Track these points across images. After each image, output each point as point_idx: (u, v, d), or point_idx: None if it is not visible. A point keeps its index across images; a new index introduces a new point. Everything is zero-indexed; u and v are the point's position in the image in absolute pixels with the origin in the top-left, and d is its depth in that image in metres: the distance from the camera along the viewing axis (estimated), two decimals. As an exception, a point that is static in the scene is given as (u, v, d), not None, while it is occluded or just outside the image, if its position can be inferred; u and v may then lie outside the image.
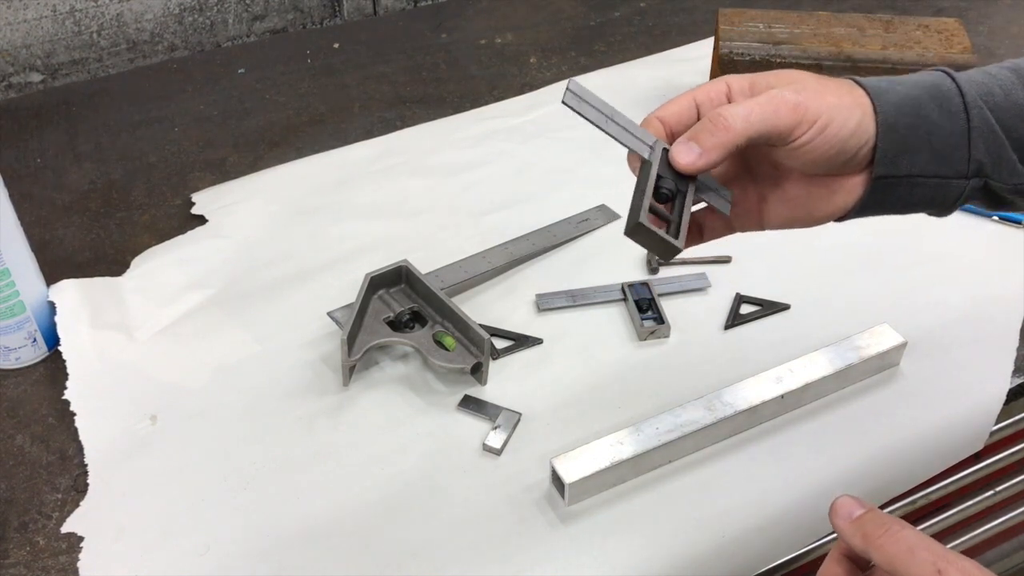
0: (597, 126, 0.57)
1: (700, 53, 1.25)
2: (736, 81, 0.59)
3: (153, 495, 0.73)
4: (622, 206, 1.00)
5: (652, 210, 0.56)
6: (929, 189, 0.59)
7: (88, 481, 0.74)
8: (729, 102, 0.58)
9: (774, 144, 0.56)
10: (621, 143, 0.57)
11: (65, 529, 0.71)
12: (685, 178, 0.57)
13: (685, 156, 0.55)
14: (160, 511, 0.72)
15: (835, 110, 0.55)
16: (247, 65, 1.28)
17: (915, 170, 0.58)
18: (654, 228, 0.55)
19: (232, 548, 0.69)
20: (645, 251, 0.94)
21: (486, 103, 1.19)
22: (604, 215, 0.99)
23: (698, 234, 0.62)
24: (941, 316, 0.87)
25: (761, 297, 0.89)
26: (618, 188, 1.03)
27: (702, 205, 0.61)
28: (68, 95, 1.21)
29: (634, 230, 0.55)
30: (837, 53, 1.04)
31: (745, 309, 0.89)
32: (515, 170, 1.07)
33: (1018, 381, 0.83)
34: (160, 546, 0.70)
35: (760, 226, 0.62)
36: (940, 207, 0.60)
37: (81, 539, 0.70)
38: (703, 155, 0.55)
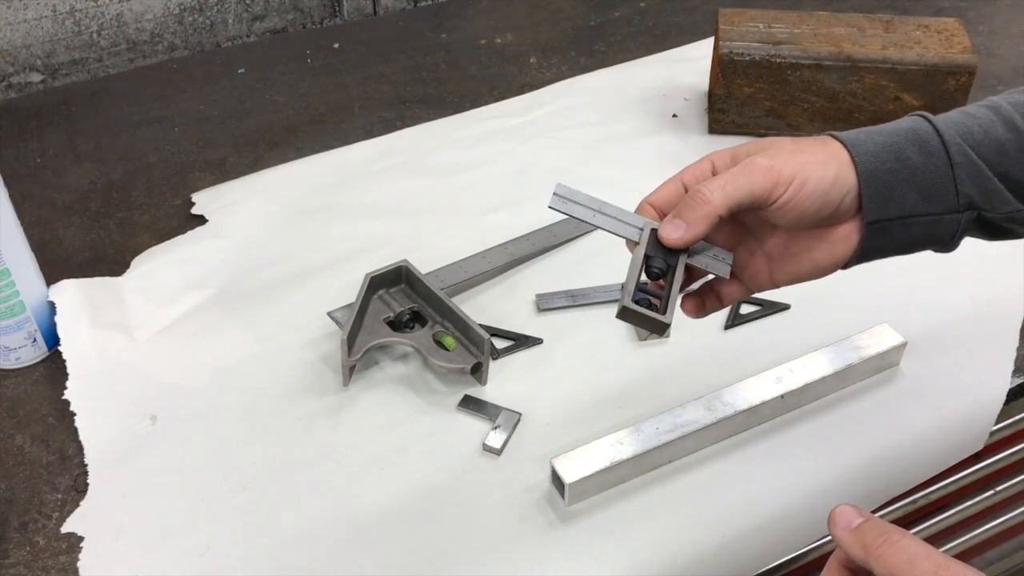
0: (586, 222, 0.61)
1: (700, 53, 1.25)
2: (719, 157, 0.62)
3: (153, 495, 0.73)
4: (622, 206, 1.00)
5: (645, 290, 0.60)
6: (924, 227, 0.60)
7: (88, 481, 0.74)
8: (713, 175, 0.61)
9: (758, 208, 0.59)
10: (613, 233, 0.61)
11: (65, 529, 0.71)
12: (675, 253, 0.60)
13: (672, 232, 0.59)
14: (160, 511, 0.72)
15: (809, 167, 0.58)
16: (247, 65, 1.28)
17: (905, 211, 0.60)
18: (639, 309, 0.59)
19: (232, 548, 0.70)
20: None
21: (486, 103, 1.19)
22: (604, 215, 0.99)
23: (717, 300, 0.65)
24: (941, 316, 0.87)
25: (761, 297, 0.89)
26: (618, 188, 1.03)
27: (712, 276, 0.64)
28: (68, 95, 1.21)
29: (622, 313, 0.59)
30: (837, 53, 1.04)
31: (745, 309, 0.89)
32: (515, 170, 1.07)
33: (1018, 381, 0.83)
34: (160, 546, 0.70)
35: (773, 283, 0.64)
36: (940, 243, 0.62)
37: (81, 539, 0.70)
38: (688, 229, 0.58)
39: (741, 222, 0.64)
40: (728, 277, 0.62)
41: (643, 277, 0.60)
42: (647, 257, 0.60)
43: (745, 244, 0.64)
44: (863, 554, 0.47)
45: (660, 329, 0.60)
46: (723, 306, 0.65)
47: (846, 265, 0.63)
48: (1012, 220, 0.61)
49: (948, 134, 0.60)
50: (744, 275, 0.64)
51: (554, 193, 0.61)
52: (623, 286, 0.60)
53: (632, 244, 0.62)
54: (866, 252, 0.61)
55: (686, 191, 0.61)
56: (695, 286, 0.65)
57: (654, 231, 0.60)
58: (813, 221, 0.60)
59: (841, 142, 0.60)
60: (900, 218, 0.60)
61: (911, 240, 0.61)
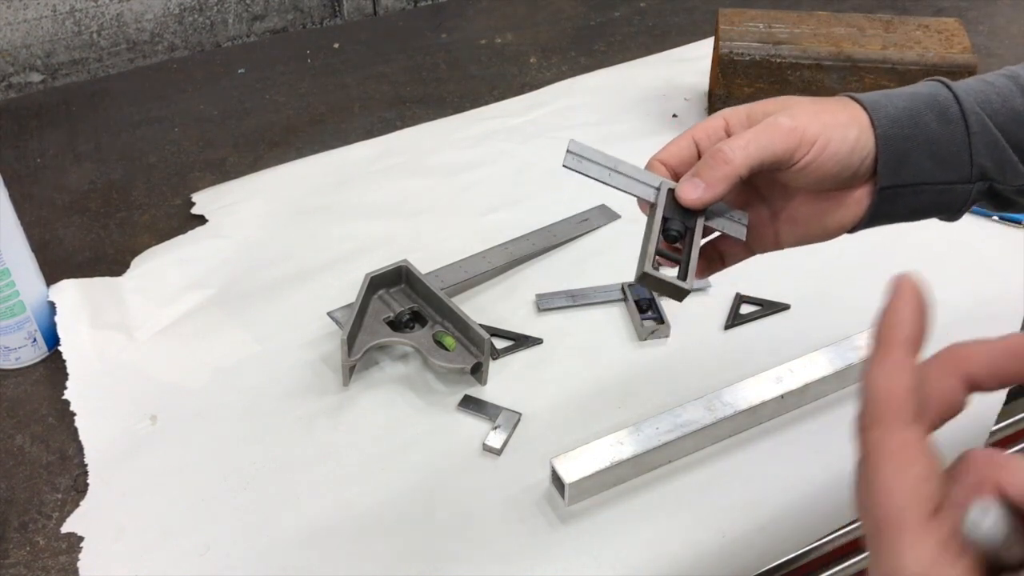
0: (601, 181, 0.59)
1: (700, 53, 1.25)
2: (733, 115, 0.60)
3: (153, 495, 0.73)
4: (622, 206, 1.00)
5: (661, 253, 0.57)
6: (935, 195, 0.60)
7: (88, 481, 0.74)
8: (728, 136, 0.59)
9: (777, 168, 0.58)
10: (628, 192, 0.59)
11: (65, 529, 0.71)
12: (693, 214, 0.58)
13: (691, 192, 0.57)
14: (160, 511, 0.72)
15: (831, 129, 0.57)
16: (247, 65, 1.28)
17: (919, 178, 0.59)
18: (659, 275, 0.56)
19: (232, 548, 0.70)
20: (645, 251, 0.95)
21: (486, 103, 1.19)
22: (604, 215, 0.99)
23: (720, 261, 0.64)
24: (941, 316, 0.87)
25: (761, 297, 0.89)
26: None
27: (716, 235, 0.62)
28: (68, 95, 1.21)
29: (641, 279, 0.56)
30: (837, 53, 1.04)
31: (745, 309, 0.89)
32: (515, 170, 1.07)
33: (1018, 381, 0.83)
34: (160, 546, 0.70)
35: (777, 245, 0.63)
36: (948, 212, 0.61)
37: (81, 539, 0.70)
38: (708, 189, 0.56)
39: (750, 182, 0.62)
40: (744, 239, 0.61)
41: (660, 240, 0.57)
42: (665, 219, 0.57)
43: (752, 206, 0.63)
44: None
45: (680, 295, 0.57)
46: (725, 267, 0.64)
47: (853, 229, 0.62)
48: (1021, 192, 0.60)
49: (967, 102, 0.58)
50: (749, 236, 0.63)
51: (568, 151, 0.58)
52: (642, 250, 0.57)
53: (646, 204, 0.59)
54: (875, 217, 0.60)
55: (697, 149, 0.60)
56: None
57: (671, 191, 0.58)
58: (831, 184, 0.59)
59: (861, 104, 0.59)
60: (912, 185, 0.59)
61: (920, 207, 0.60)
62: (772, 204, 0.62)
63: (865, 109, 0.58)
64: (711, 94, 1.12)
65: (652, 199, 0.58)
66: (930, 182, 0.59)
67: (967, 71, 1.03)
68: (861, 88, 1.05)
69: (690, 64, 1.24)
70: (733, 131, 0.59)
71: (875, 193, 0.59)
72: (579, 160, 0.59)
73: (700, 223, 0.58)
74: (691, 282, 0.57)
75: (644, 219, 0.98)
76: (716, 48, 1.09)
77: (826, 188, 0.59)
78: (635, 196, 0.59)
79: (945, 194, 0.60)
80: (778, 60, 1.05)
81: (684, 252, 0.58)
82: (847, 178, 0.58)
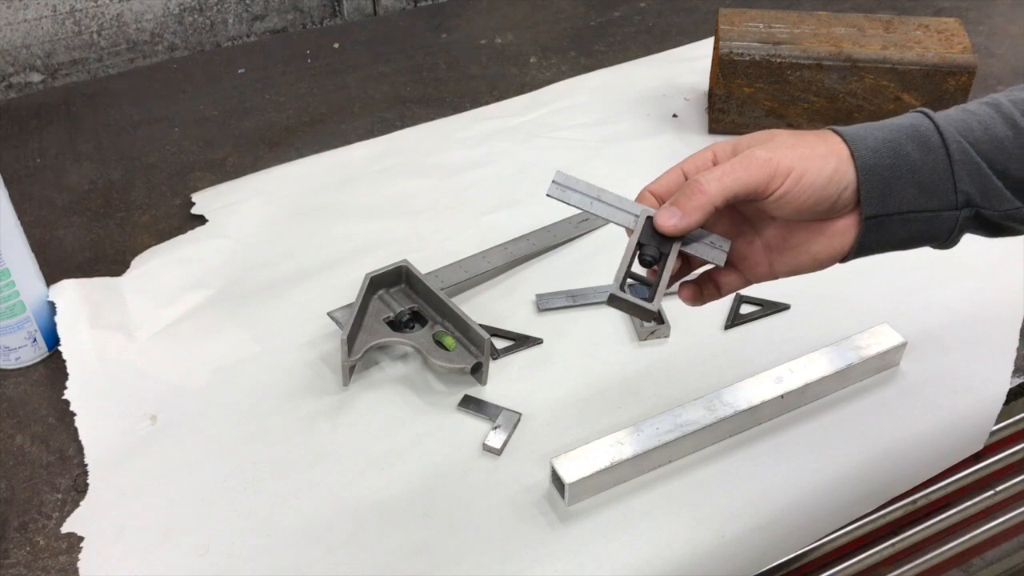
0: (583, 209, 0.62)
1: (700, 53, 1.25)
2: (721, 148, 0.62)
3: (153, 495, 0.73)
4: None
5: (638, 278, 0.62)
6: (922, 223, 0.61)
7: (88, 481, 0.74)
8: (715, 165, 0.61)
9: (755, 199, 0.60)
10: (609, 220, 0.62)
11: (65, 529, 0.71)
12: (669, 240, 0.61)
13: (668, 220, 0.60)
14: (160, 511, 0.72)
15: (807, 160, 0.59)
16: (247, 65, 1.28)
17: (903, 207, 0.60)
18: (625, 296, 0.60)
19: (232, 548, 0.70)
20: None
21: (486, 103, 1.19)
22: (604, 215, 0.99)
23: (715, 290, 0.65)
24: (941, 316, 0.87)
25: (761, 297, 0.89)
26: (618, 188, 1.03)
27: (711, 265, 0.64)
28: (68, 95, 1.21)
29: (610, 300, 0.60)
30: (837, 53, 1.04)
31: (745, 309, 0.89)
32: (515, 170, 1.07)
33: (1018, 381, 0.83)
34: (160, 546, 0.70)
35: (771, 275, 0.65)
36: (939, 239, 0.62)
37: (81, 539, 0.70)
38: (683, 217, 0.59)
39: (741, 213, 0.64)
40: (723, 265, 0.63)
41: (635, 265, 0.60)
42: (640, 244, 0.60)
43: (744, 235, 0.65)
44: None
45: (647, 316, 0.61)
46: (721, 295, 0.66)
47: (844, 259, 0.63)
48: (1010, 218, 0.61)
49: (948, 131, 0.60)
50: (743, 265, 0.65)
51: (553, 181, 0.62)
52: (616, 273, 0.61)
53: (630, 231, 0.62)
54: (864, 247, 0.62)
55: (685, 178, 0.62)
56: (694, 274, 0.65)
57: (649, 219, 0.61)
58: (811, 214, 0.60)
59: (841, 136, 0.60)
60: (898, 214, 0.60)
61: (909, 236, 0.61)
62: (763, 234, 0.64)
63: (845, 141, 0.60)
64: (711, 94, 1.12)
65: (631, 226, 0.61)
66: (916, 210, 0.60)
67: (967, 71, 1.03)
68: (861, 88, 1.05)
69: (690, 64, 1.24)
70: (719, 162, 0.61)
71: (861, 223, 0.60)
72: (563, 190, 0.62)
73: (675, 249, 0.61)
74: (657, 303, 0.60)
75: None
76: (716, 48, 1.09)
77: (806, 218, 0.61)
78: (616, 224, 0.62)
79: (932, 222, 0.61)
80: (778, 60, 1.05)
81: (656, 275, 0.61)
82: (826, 208, 0.60)
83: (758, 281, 0.65)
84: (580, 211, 0.62)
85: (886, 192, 0.59)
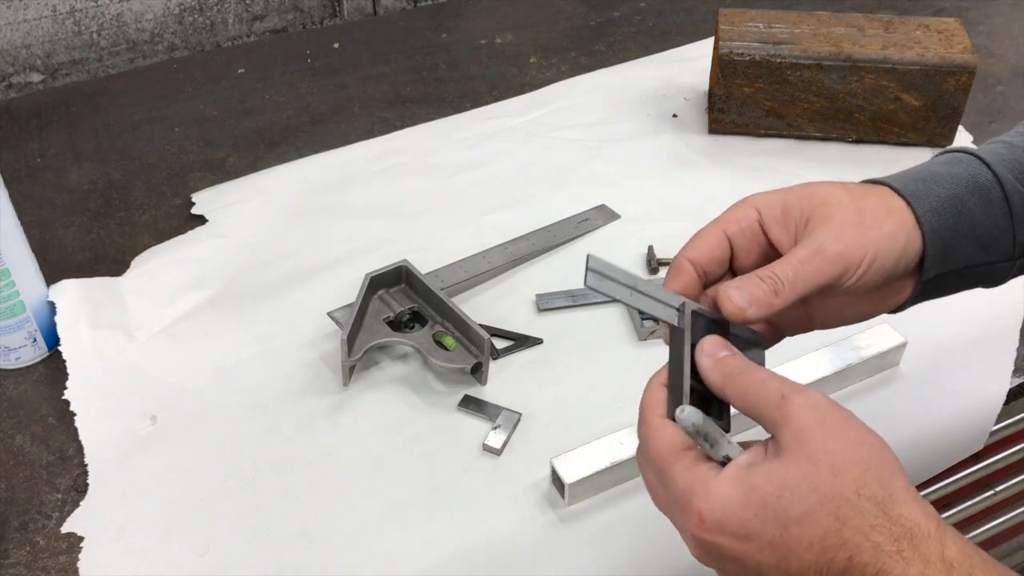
0: (622, 302, 0.54)
1: (700, 53, 1.25)
2: (766, 206, 0.56)
3: (153, 495, 0.73)
4: (622, 206, 1.00)
5: (692, 389, 0.51)
6: (978, 276, 0.59)
7: (88, 481, 0.74)
8: (762, 229, 0.56)
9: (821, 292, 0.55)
10: (650, 315, 0.54)
11: (65, 529, 0.71)
12: (723, 332, 0.54)
13: (740, 299, 0.52)
14: (160, 511, 0.72)
15: (878, 243, 0.54)
16: (247, 65, 1.28)
17: (963, 263, 0.57)
18: (705, 423, 0.49)
19: (232, 548, 0.70)
20: (645, 251, 0.94)
21: (486, 103, 1.19)
22: (604, 215, 0.99)
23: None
24: (941, 316, 0.87)
25: (761, 297, 0.89)
26: (618, 188, 1.03)
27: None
28: (68, 95, 1.21)
29: (685, 420, 0.49)
30: (837, 53, 1.04)
31: (745, 309, 0.88)
32: (515, 170, 1.07)
33: (1018, 381, 0.83)
34: (160, 546, 0.70)
35: (809, 329, 0.61)
36: (989, 284, 0.61)
37: (81, 539, 0.70)
38: (753, 305, 0.52)
39: None
40: (763, 365, 0.55)
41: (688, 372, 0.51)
42: (693, 345, 0.52)
43: None
44: (721, 380, 0.49)
45: (721, 449, 0.50)
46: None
47: (893, 312, 0.60)
48: None
49: (1007, 181, 0.57)
50: (780, 321, 0.59)
51: (588, 268, 0.53)
52: (670, 382, 0.52)
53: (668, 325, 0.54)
54: (916, 301, 0.59)
55: (730, 244, 0.56)
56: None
57: (694, 313, 0.53)
58: (872, 289, 0.56)
59: (903, 197, 0.56)
60: (956, 270, 0.58)
61: (963, 285, 0.59)
62: (807, 299, 0.58)
63: (909, 204, 0.56)
64: (711, 94, 1.12)
65: (675, 322, 0.53)
66: (974, 264, 0.58)
67: (967, 71, 1.03)
68: (861, 88, 1.05)
69: (690, 64, 1.24)
70: (767, 225, 0.55)
71: (918, 283, 0.58)
72: (600, 279, 0.54)
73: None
74: (728, 422, 0.52)
75: (642, 216, 0.97)
76: (716, 48, 1.09)
77: (868, 293, 0.57)
78: (657, 319, 0.54)
79: (988, 272, 0.59)
80: (778, 60, 1.05)
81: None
82: (892, 279, 0.56)
83: (792, 335, 0.61)
84: (619, 302, 0.55)
85: (947, 252, 0.56)
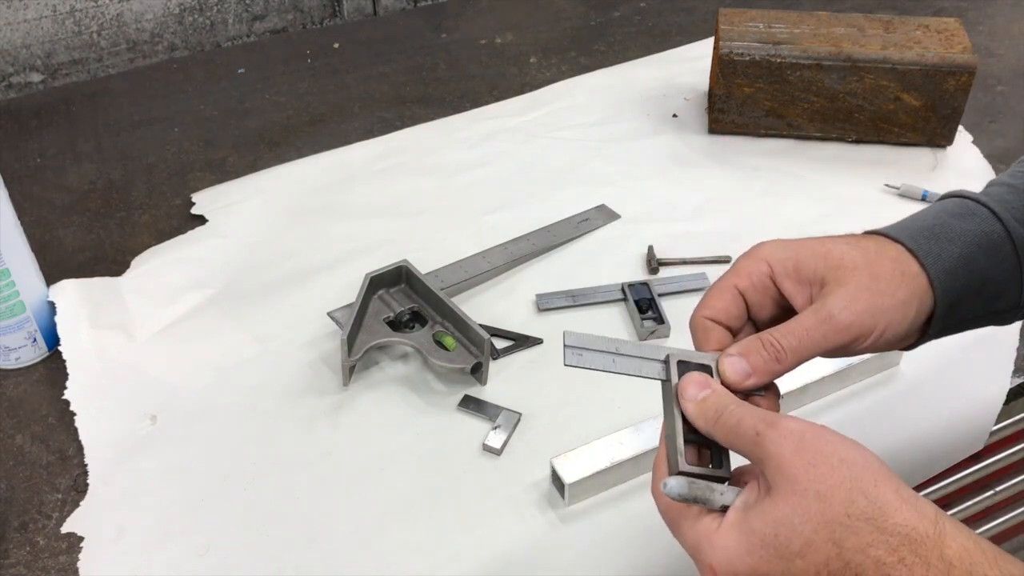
0: (607, 371, 0.54)
1: (700, 53, 1.25)
2: (777, 261, 0.55)
3: (153, 495, 0.73)
4: (622, 206, 1.00)
5: (689, 440, 0.51)
6: (982, 322, 0.59)
7: (88, 481, 0.74)
8: (774, 283, 0.56)
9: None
10: (636, 376, 0.54)
11: (65, 529, 0.71)
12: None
13: (734, 372, 0.53)
14: (160, 511, 0.72)
15: (889, 313, 0.53)
16: (247, 65, 1.28)
17: (969, 315, 0.58)
18: (696, 471, 0.50)
19: (232, 548, 0.70)
20: (645, 251, 0.94)
21: (486, 103, 1.19)
22: (604, 215, 0.99)
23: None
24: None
25: (761, 297, 0.89)
26: (618, 188, 1.03)
27: None
28: (68, 95, 1.21)
29: (673, 489, 0.49)
30: (837, 53, 1.04)
31: (745, 309, 0.88)
32: (515, 170, 1.07)
33: (1018, 381, 0.83)
34: (160, 546, 0.70)
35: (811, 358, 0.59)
36: (996, 324, 0.61)
37: (81, 539, 0.70)
38: (752, 376, 0.53)
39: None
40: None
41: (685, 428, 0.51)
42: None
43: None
44: (706, 426, 0.50)
45: (715, 501, 0.49)
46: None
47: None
48: None
49: (1018, 235, 0.57)
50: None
51: (566, 345, 0.53)
52: (668, 443, 0.51)
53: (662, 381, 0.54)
54: (918, 346, 0.59)
55: (744, 299, 0.56)
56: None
57: (680, 363, 0.53)
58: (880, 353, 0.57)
59: (916, 259, 0.55)
60: (961, 322, 0.58)
61: (966, 329, 0.59)
62: None
63: (922, 266, 0.55)
64: (711, 94, 1.12)
65: (662, 377, 0.53)
66: (980, 315, 0.58)
67: (967, 71, 1.03)
68: (861, 88, 1.05)
69: (690, 64, 1.24)
70: (779, 280, 0.55)
71: (924, 336, 0.57)
72: (579, 354, 0.54)
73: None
74: (727, 469, 0.51)
75: (642, 216, 0.98)
76: (716, 48, 1.09)
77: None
78: (644, 377, 0.54)
79: (992, 319, 0.59)
80: (778, 60, 1.05)
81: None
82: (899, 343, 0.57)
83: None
84: (603, 371, 0.54)
85: (956, 308, 0.56)
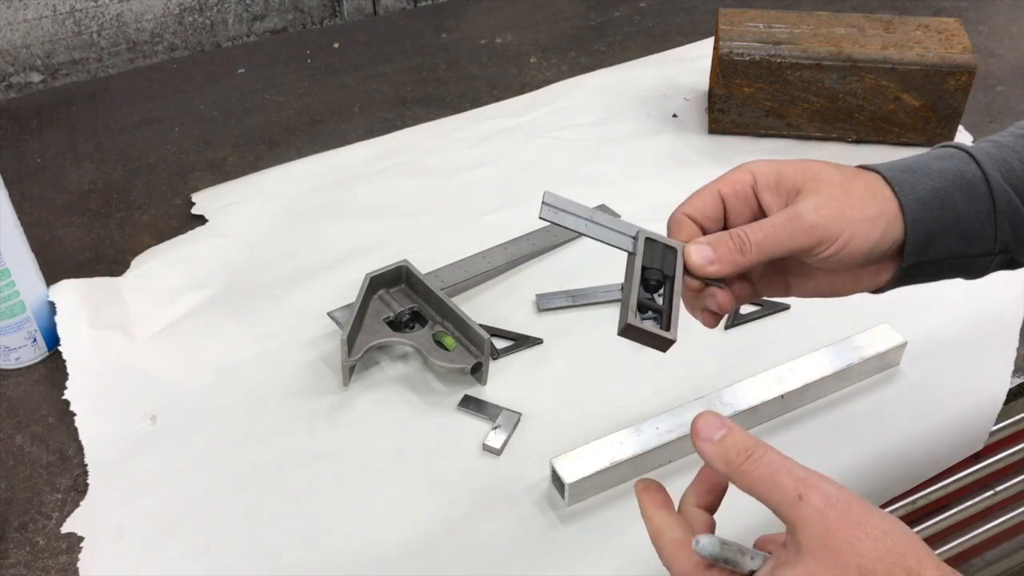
0: (577, 231, 0.58)
1: (700, 53, 1.25)
2: (761, 174, 0.58)
3: (153, 495, 0.73)
4: (622, 206, 1.00)
5: (643, 303, 0.56)
6: (959, 266, 0.60)
7: (88, 481, 0.74)
8: (755, 194, 0.58)
9: (794, 257, 0.58)
10: (604, 242, 0.58)
11: (65, 529, 0.71)
12: (673, 263, 0.57)
13: (700, 258, 0.56)
14: (160, 511, 0.72)
15: (856, 224, 0.56)
16: (247, 65, 1.28)
17: (943, 253, 0.59)
18: (644, 327, 0.54)
19: (232, 548, 0.70)
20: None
21: (486, 103, 1.19)
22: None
23: (726, 301, 0.60)
24: (941, 316, 0.87)
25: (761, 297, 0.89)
26: (618, 188, 1.03)
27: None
28: (68, 95, 1.21)
29: (625, 331, 0.55)
30: (837, 53, 1.04)
31: (745, 309, 0.89)
32: (515, 170, 1.07)
33: (1018, 381, 0.83)
34: (160, 546, 0.70)
35: (786, 294, 0.63)
36: (969, 276, 0.62)
37: (81, 539, 0.70)
38: (715, 264, 0.56)
39: None
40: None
41: (640, 290, 0.56)
42: (644, 268, 0.57)
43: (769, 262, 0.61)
44: (726, 469, 0.49)
45: (664, 346, 0.55)
46: (731, 308, 0.61)
47: (874, 292, 0.62)
48: None
49: (994, 179, 0.58)
50: (761, 282, 0.62)
51: (543, 202, 0.57)
52: (623, 301, 0.56)
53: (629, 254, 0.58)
54: (895, 285, 0.61)
55: (723, 204, 0.59)
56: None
57: (648, 240, 0.57)
58: (849, 269, 0.59)
59: (890, 186, 0.58)
60: (936, 260, 0.59)
61: (942, 274, 0.60)
62: (786, 263, 0.61)
63: (895, 192, 0.57)
64: (711, 94, 1.12)
65: (629, 248, 0.58)
66: (955, 256, 0.59)
67: (967, 71, 1.03)
68: (861, 88, 1.05)
69: (690, 64, 1.24)
70: (760, 192, 0.58)
71: (899, 269, 0.59)
72: (554, 211, 0.58)
73: (680, 269, 0.57)
74: (675, 332, 0.55)
75: (643, 216, 0.98)
76: (716, 48, 1.09)
77: (844, 271, 0.59)
78: (612, 246, 0.58)
79: (968, 264, 0.60)
80: (778, 60, 1.05)
81: (664, 301, 0.57)
82: (867, 264, 0.58)
83: (770, 296, 0.63)
84: (574, 232, 0.58)
85: (928, 242, 0.58)
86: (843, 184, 0.57)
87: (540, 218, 0.57)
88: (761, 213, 0.58)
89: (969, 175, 0.59)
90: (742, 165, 0.59)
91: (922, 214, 0.57)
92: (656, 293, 0.57)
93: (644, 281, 0.57)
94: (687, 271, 0.57)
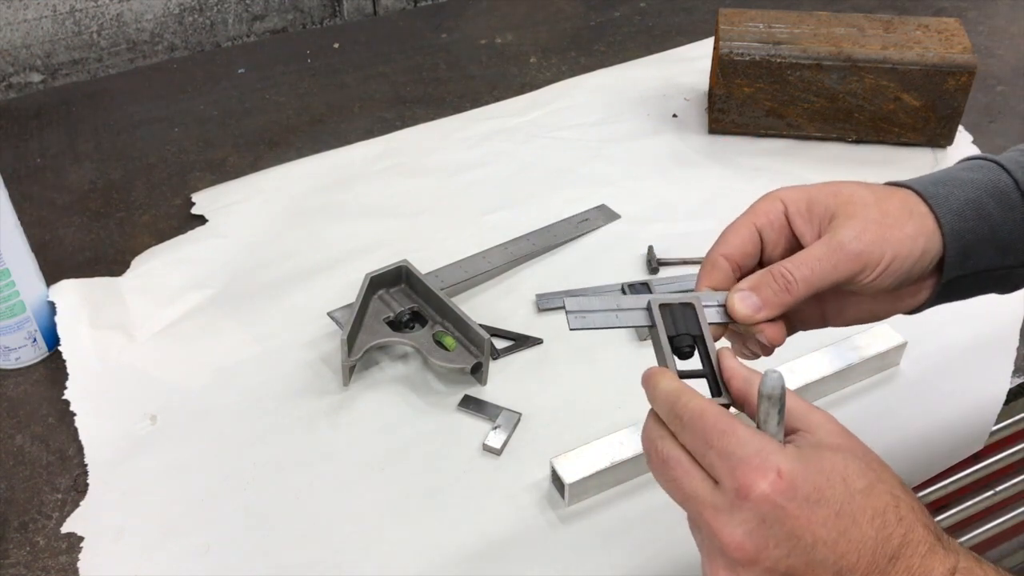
0: (610, 327, 0.55)
1: (700, 53, 1.25)
2: (792, 201, 0.57)
3: (153, 495, 0.73)
4: (622, 206, 1.00)
5: (681, 375, 0.52)
6: (995, 278, 0.59)
7: (88, 481, 0.74)
8: (788, 221, 0.57)
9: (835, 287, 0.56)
10: (635, 327, 0.56)
11: (65, 529, 0.71)
12: (695, 319, 0.55)
13: (745, 307, 0.55)
14: (160, 511, 0.72)
15: (896, 245, 0.55)
16: (247, 65, 1.28)
17: (981, 265, 0.58)
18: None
19: (232, 548, 0.70)
20: (645, 251, 0.94)
21: (486, 103, 1.19)
22: (604, 215, 0.99)
23: (759, 347, 0.59)
24: (941, 316, 0.87)
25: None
26: (618, 188, 1.03)
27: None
28: (68, 95, 1.21)
29: None
30: (837, 53, 1.04)
31: (745, 309, 0.88)
32: (515, 170, 1.07)
33: (1018, 381, 0.83)
34: (160, 546, 0.70)
35: (823, 326, 0.62)
36: (1004, 290, 0.61)
37: (81, 539, 0.70)
38: (762, 310, 0.54)
39: None
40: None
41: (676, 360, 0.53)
42: (671, 338, 0.54)
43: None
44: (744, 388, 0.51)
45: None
46: (784, 339, 0.58)
47: (911, 313, 0.61)
48: None
49: None
50: (796, 318, 0.60)
51: (567, 312, 0.54)
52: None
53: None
54: (933, 303, 0.60)
55: (760, 237, 0.57)
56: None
57: (661, 306, 0.55)
58: (889, 290, 0.57)
59: (924, 200, 0.57)
60: (974, 273, 0.58)
61: (980, 289, 0.60)
62: (822, 296, 0.59)
63: (929, 207, 0.56)
64: (711, 94, 1.12)
65: (648, 323, 0.55)
66: (992, 268, 0.58)
67: (967, 71, 1.03)
68: (861, 88, 1.05)
69: (690, 64, 1.24)
70: (792, 219, 0.57)
71: (937, 285, 0.58)
72: (582, 317, 0.55)
73: (706, 326, 0.54)
74: (727, 396, 0.52)
75: (642, 216, 0.98)
76: (716, 48, 1.09)
77: (885, 294, 0.58)
78: (639, 327, 0.56)
79: (1005, 277, 0.59)
80: (778, 60, 1.05)
81: (705, 365, 0.54)
82: (907, 283, 0.57)
83: (806, 329, 0.61)
84: (608, 329, 0.55)
85: (967, 255, 0.57)
86: (878, 204, 0.56)
87: (571, 329, 0.54)
88: (795, 240, 0.57)
89: (1001, 184, 0.58)
90: (770, 193, 0.58)
91: (958, 226, 0.56)
92: (690, 358, 0.54)
93: (676, 351, 0.54)
94: (733, 322, 0.55)
